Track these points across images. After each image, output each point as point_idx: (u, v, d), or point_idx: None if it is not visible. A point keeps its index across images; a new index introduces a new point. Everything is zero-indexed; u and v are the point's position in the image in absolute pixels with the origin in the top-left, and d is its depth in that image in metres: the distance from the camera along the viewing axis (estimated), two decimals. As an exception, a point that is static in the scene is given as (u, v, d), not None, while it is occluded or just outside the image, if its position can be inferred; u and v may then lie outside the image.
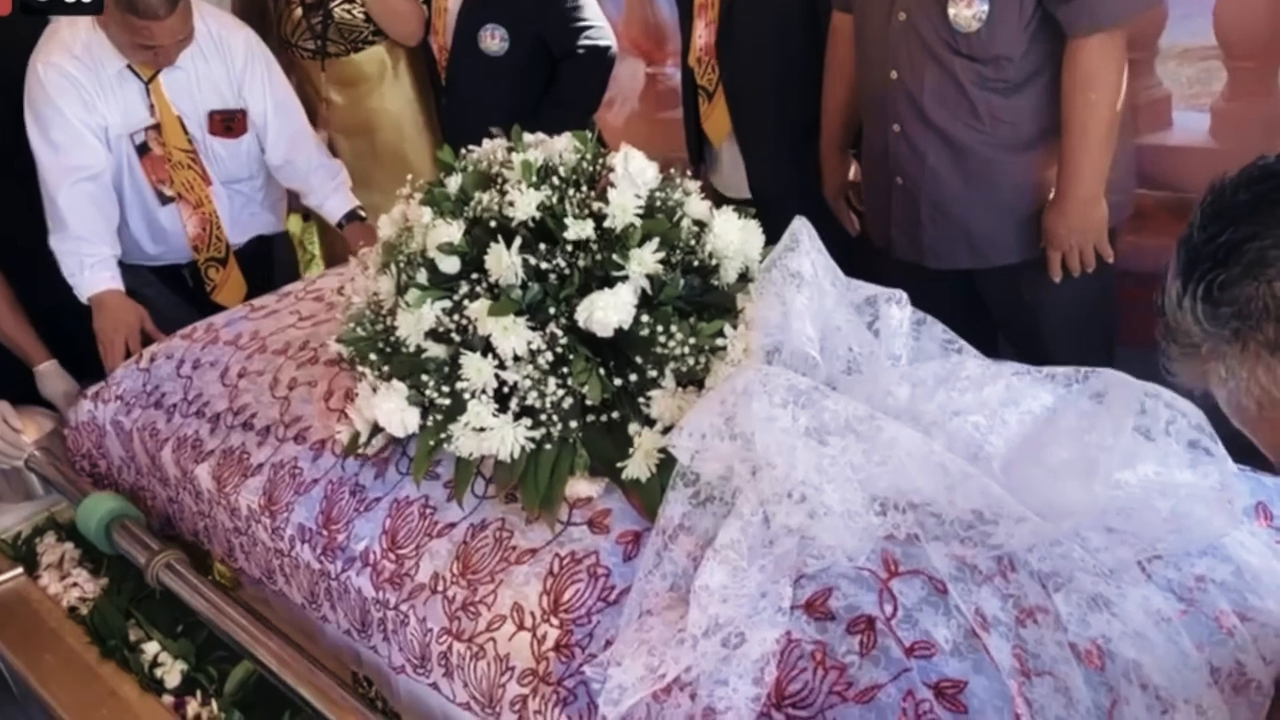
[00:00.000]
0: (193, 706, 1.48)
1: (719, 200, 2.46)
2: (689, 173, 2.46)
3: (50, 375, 2.15)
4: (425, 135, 2.81)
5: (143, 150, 2.26)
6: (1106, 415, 1.05)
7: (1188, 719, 0.97)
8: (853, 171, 2.21)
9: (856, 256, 2.15)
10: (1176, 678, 0.99)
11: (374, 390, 1.33)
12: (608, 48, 2.56)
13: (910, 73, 1.86)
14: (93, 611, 1.66)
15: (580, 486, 1.23)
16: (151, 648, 1.56)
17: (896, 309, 1.17)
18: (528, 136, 1.39)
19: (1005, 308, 2.02)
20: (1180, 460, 1.07)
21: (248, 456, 1.53)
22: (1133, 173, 1.98)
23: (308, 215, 3.02)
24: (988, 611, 1.01)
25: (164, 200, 2.31)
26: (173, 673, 1.52)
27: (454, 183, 1.35)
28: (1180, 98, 2.29)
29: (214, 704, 1.47)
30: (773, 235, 2.32)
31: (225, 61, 2.28)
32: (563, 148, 1.34)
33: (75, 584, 1.73)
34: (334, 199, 2.47)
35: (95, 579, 1.73)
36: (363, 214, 2.49)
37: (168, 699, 1.50)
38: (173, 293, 2.43)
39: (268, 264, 2.56)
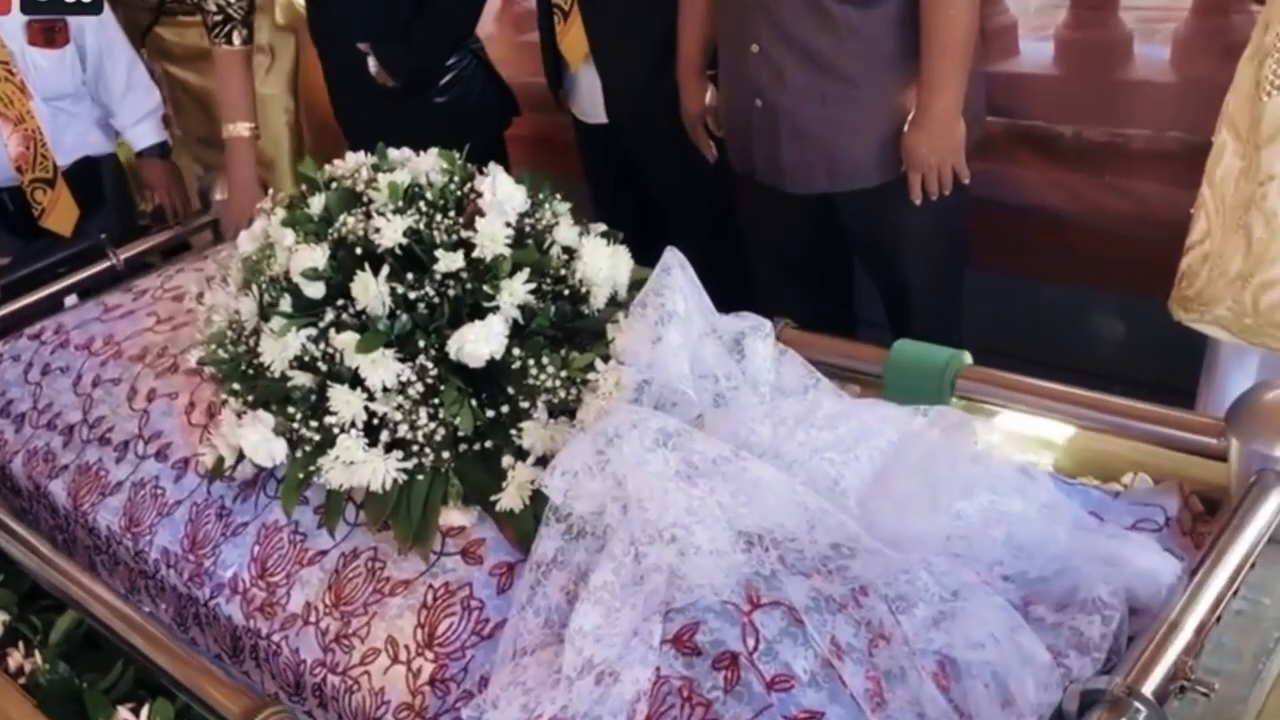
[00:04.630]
0: (15, 658, 1.42)
1: (580, 127, 2.48)
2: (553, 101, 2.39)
3: None
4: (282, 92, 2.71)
5: None
6: (945, 449, 1.12)
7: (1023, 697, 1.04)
8: (711, 96, 2.21)
9: (720, 183, 2.19)
10: (1018, 677, 1.07)
11: (238, 417, 1.30)
12: None
13: None
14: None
15: (453, 516, 1.24)
16: None
17: (761, 343, 1.20)
18: (393, 154, 1.36)
19: (863, 232, 2.07)
20: (1008, 486, 1.15)
21: (105, 474, 1.49)
22: (983, 97, 2.04)
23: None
24: (842, 639, 1.07)
25: None
26: None
27: (317, 203, 1.32)
28: (1027, 27, 2.37)
29: (38, 655, 1.41)
30: (632, 162, 2.34)
31: None
32: (429, 168, 1.32)
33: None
34: (142, 125, 2.43)
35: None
36: (166, 150, 2.46)
37: (-12, 653, 1.43)
38: None
39: (97, 187, 2.45)
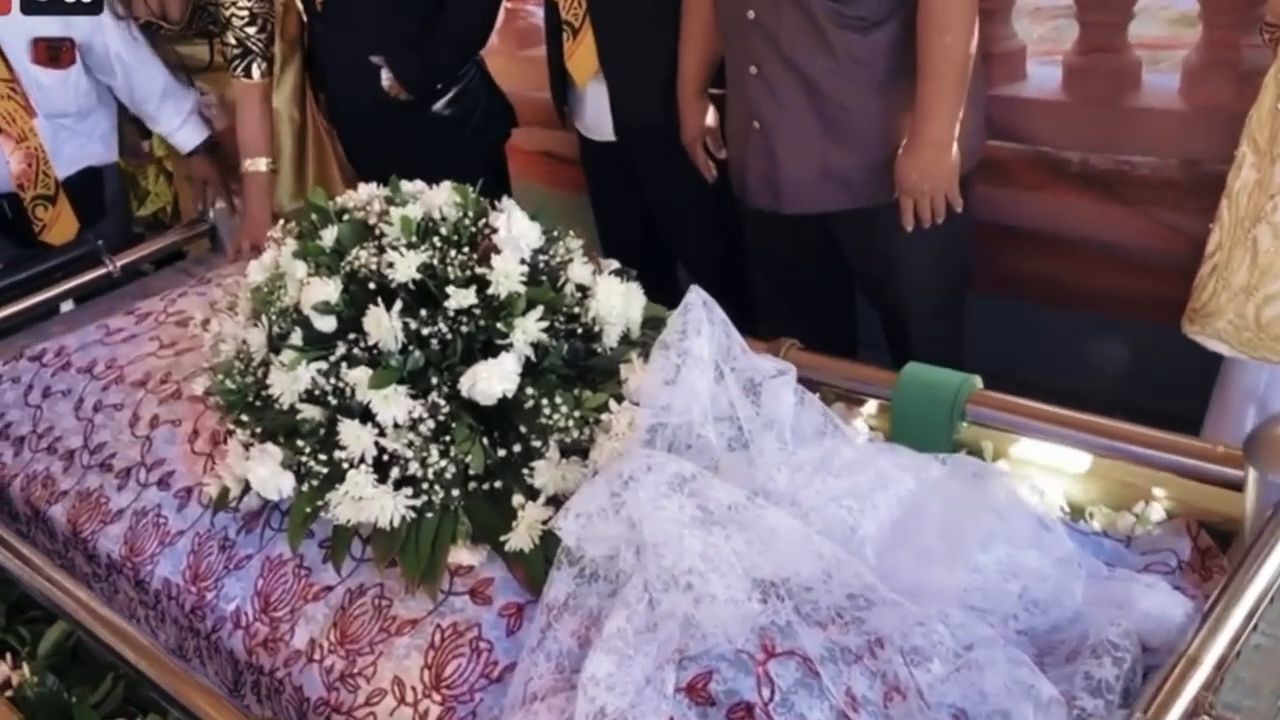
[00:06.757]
0: (2, 670, 1.40)
1: (585, 144, 2.48)
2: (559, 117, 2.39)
3: None
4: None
5: None
6: (964, 500, 1.11)
7: None
8: (713, 117, 2.20)
9: (725, 200, 2.18)
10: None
11: (245, 448, 1.29)
12: None
13: (767, 12, 1.86)
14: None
15: (462, 555, 1.22)
16: None
17: (784, 388, 1.19)
18: (406, 186, 1.35)
19: (860, 255, 2.07)
20: (1025, 539, 1.14)
21: (106, 501, 1.47)
22: (983, 121, 2.03)
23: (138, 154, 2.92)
24: (857, 691, 1.05)
25: None
26: None
27: (330, 235, 1.30)
28: (1032, 53, 2.37)
29: (26, 668, 1.39)
30: (638, 179, 2.33)
31: None
32: (442, 202, 1.31)
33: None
34: (186, 127, 2.46)
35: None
36: (213, 144, 2.49)
37: (-27, 665, 1.41)
38: None
39: (98, 197, 2.46)
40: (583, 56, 2.31)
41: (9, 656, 1.40)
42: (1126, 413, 1.38)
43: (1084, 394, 1.74)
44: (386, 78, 2.36)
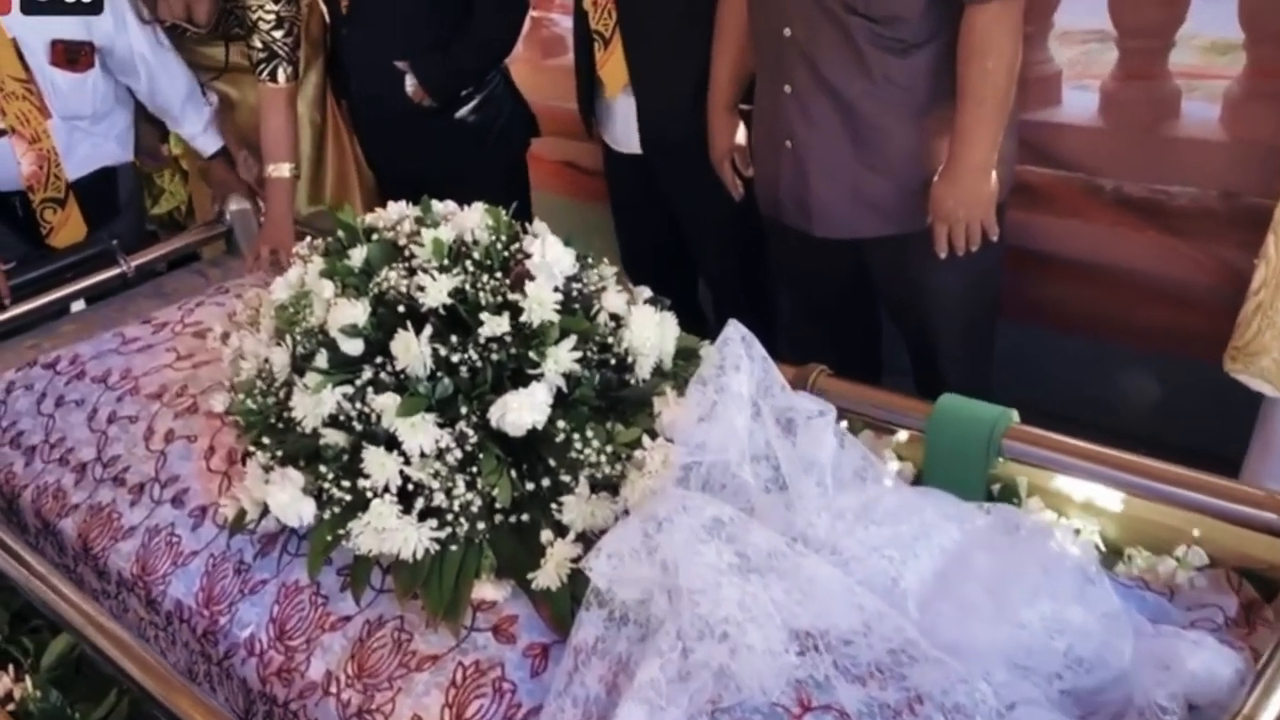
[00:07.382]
0: (4, 682, 1.37)
1: (609, 155, 2.44)
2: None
3: None
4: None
5: None
6: (1009, 553, 1.07)
7: None
8: (742, 134, 2.16)
9: (751, 216, 2.14)
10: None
11: (265, 471, 1.25)
12: None
13: (804, 31, 1.82)
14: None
15: (485, 589, 1.19)
16: None
17: (824, 431, 1.15)
18: (438, 206, 1.31)
19: (890, 281, 2.03)
20: (1069, 594, 1.10)
21: (119, 516, 1.43)
22: (1015, 147, 1.99)
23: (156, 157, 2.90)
24: (896, 750, 1.02)
25: None
26: None
27: (358, 255, 1.27)
28: (1064, 77, 2.33)
29: (29, 680, 1.36)
30: (662, 192, 2.30)
31: None
32: (474, 224, 1.27)
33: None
34: (209, 132, 2.46)
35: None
36: (228, 151, 2.49)
37: (-24, 676, 1.38)
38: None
39: (112, 197, 2.43)
40: (615, 66, 2.27)
41: (11, 669, 1.37)
42: (1158, 449, 1.34)
43: (1114, 428, 1.71)
44: (411, 83, 2.33)
